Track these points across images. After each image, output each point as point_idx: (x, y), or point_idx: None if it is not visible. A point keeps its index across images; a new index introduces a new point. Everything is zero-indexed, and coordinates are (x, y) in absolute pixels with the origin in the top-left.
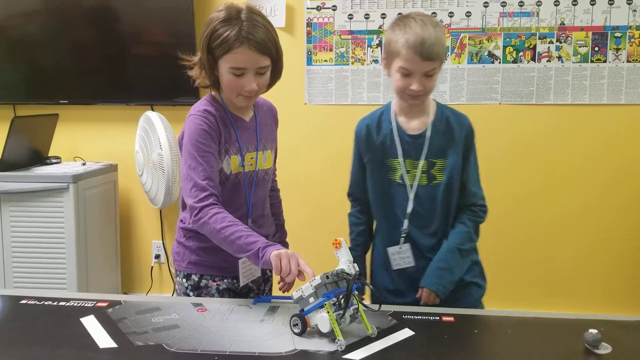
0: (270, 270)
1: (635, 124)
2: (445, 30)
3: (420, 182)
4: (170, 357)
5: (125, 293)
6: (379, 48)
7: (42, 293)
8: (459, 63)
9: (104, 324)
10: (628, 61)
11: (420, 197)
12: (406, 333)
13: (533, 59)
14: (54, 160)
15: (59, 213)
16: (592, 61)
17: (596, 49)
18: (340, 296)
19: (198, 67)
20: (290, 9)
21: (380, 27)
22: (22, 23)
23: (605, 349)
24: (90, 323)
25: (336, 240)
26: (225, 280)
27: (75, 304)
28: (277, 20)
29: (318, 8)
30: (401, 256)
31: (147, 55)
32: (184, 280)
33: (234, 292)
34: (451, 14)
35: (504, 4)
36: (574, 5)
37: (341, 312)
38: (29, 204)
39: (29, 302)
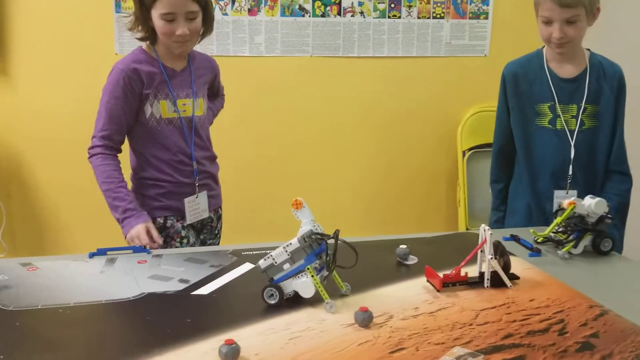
0: (221, 208)
1: (423, 73)
2: None
3: (569, 127)
4: (10, 316)
5: None
6: None
7: None
8: (272, 15)
9: None
10: (418, 17)
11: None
12: (247, 267)
13: (339, 13)
14: None
15: None
16: (389, 17)
17: (392, 5)
18: (326, 257)
19: (133, 20)
20: None
21: None
22: None
23: (412, 260)
24: None
25: (297, 200)
26: (170, 222)
27: None
28: None
29: None
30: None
31: None
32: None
33: (194, 229)
34: None
35: None
36: None
37: (325, 273)
38: None
39: None
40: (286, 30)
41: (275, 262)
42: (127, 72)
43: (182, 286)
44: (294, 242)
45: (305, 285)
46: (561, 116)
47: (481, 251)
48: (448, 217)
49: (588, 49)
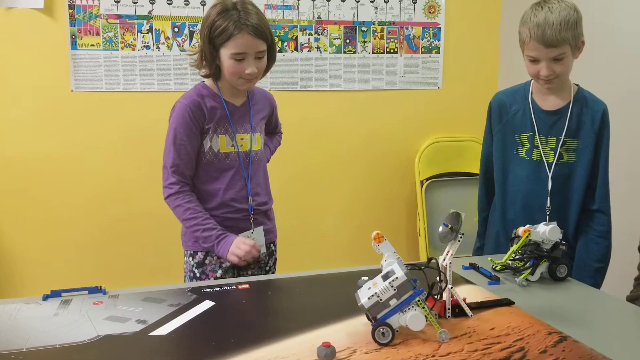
0: (274, 244)
1: (379, 106)
2: None
3: (547, 159)
4: None
5: None
6: (150, 34)
7: None
8: None
9: None
10: (373, 52)
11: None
12: (207, 304)
13: (296, 49)
14: None
15: None
16: (344, 52)
17: (347, 41)
18: (429, 287)
19: (199, 58)
20: None
21: (149, 12)
22: None
23: None
24: None
25: (378, 234)
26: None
27: None
28: (34, 1)
29: None
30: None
31: None
32: (190, 259)
33: (238, 268)
34: None
35: None
36: (328, 1)
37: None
38: None
39: None
40: None
41: (381, 300)
42: (191, 107)
43: (140, 327)
44: (400, 276)
45: (416, 318)
46: (539, 147)
47: (441, 281)
48: (409, 247)
49: (577, 84)
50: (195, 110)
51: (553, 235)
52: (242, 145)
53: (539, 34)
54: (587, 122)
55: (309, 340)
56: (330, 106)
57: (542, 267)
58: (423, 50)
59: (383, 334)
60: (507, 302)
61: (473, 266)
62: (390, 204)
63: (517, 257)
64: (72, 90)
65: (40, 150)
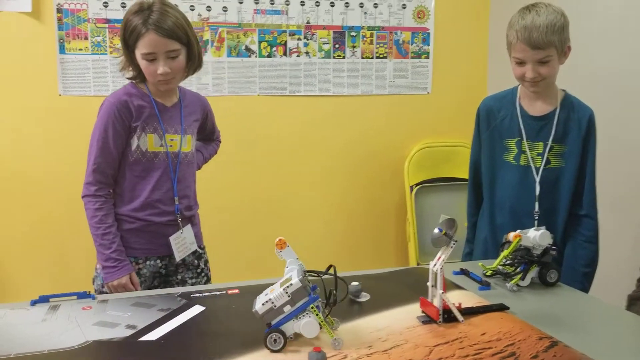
0: (202, 247)
1: (369, 111)
2: (204, 24)
3: (535, 164)
4: None
5: None
6: None
7: None
8: (219, 56)
9: None
10: (362, 57)
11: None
12: (197, 309)
13: (285, 54)
14: None
15: None
16: (334, 57)
17: (337, 46)
18: (325, 294)
19: (124, 61)
20: None
21: None
22: None
23: (364, 297)
24: None
25: (281, 240)
26: (148, 263)
27: None
28: (22, 4)
29: None
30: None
31: None
32: (99, 265)
33: (161, 274)
34: (209, 8)
35: (257, 2)
36: (317, 6)
37: (325, 311)
38: None
39: None
40: (233, 71)
41: (275, 306)
42: (117, 105)
43: (129, 332)
44: (295, 283)
45: (309, 325)
46: (527, 152)
47: (432, 286)
48: (398, 253)
49: (564, 90)
50: (121, 108)
51: (543, 241)
52: (171, 146)
53: (525, 35)
54: (574, 128)
55: (300, 345)
56: (320, 111)
57: (533, 273)
58: (412, 55)
59: (275, 340)
60: (502, 308)
61: (464, 271)
62: (380, 209)
63: (507, 262)
64: (60, 95)
65: (28, 154)
